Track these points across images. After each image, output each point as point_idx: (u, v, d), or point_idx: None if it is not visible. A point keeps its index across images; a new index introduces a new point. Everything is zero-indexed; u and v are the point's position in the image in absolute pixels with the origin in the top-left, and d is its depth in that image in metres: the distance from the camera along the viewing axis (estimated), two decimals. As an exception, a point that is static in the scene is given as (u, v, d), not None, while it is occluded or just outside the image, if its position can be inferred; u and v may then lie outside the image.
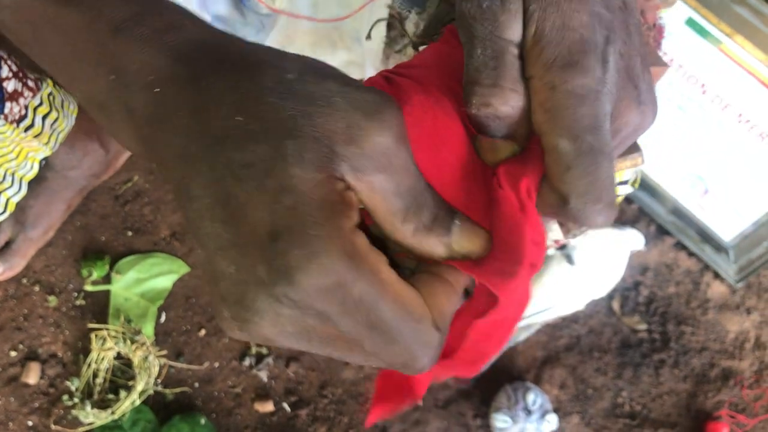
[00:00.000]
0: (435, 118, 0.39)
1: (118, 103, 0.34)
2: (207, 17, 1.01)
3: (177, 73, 0.33)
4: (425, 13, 0.50)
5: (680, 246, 1.36)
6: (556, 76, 0.36)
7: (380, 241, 0.36)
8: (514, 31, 0.37)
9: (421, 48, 0.52)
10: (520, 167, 0.39)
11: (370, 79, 0.42)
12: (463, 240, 0.36)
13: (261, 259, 0.31)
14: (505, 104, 0.37)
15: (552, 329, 1.32)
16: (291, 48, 0.72)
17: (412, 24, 0.49)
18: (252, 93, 0.32)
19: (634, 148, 0.47)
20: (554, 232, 0.65)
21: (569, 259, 1.20)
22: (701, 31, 1.09)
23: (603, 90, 0.37)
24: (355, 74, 0.82)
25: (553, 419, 1.21)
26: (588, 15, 0.37)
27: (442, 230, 0.35)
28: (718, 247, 1.31)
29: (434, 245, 0.35)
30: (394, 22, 0.52)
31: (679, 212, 1.32)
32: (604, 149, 0.37)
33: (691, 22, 1.10)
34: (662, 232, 1.36)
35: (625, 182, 0.75)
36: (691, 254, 1.36)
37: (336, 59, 0.79)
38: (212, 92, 0.32)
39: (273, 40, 0.86)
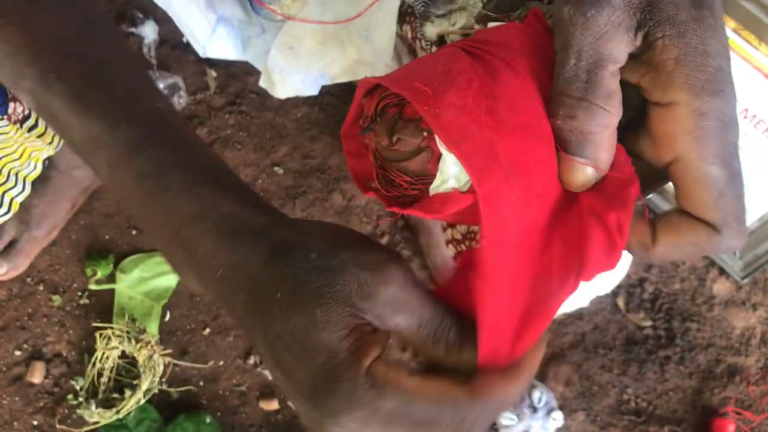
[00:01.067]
0: (524, 98, 0.39)
1: (189, 272, 0.43)
2: (213, 17, 1.00)
3: (232, 261, 0.41)
4: None
5: (685, 242, 1.35)
6: (706, 104, 0.37)
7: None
8: (617, 48, 0.37)
9: (491, 24, 0.49)
10: (605, 199, 0.39)
11: (446, 47, 0.41)
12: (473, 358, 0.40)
13: (311, 407, 0.38)
14: (592, 120, 0.37)
15: (557, 326, 1.32)
16: (300, 48, 0.72)
17: None
18: (286, 273, 0.39)
19: None
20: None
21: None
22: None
23: (736, 118, 0.38)
24: (365, 73, 0.82)
25: (558, 416, 1.21)
26: (721, 43, 0.37)
27: (469, 342, 0.40)
28: (724, 243, 1.31)
29: (467, 357, 0.40)
30: None
31: (684, 208, 1.32)
32: (740, 170, 0.38)
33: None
34: (667, 228, 1.36)
35: None
36: (696, 250, 1.35)
37: (344, 58, 0.78)
38: (255, 272, 0.40)
39: (281, 41, 0.86)
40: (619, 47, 0.38)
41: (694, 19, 0.37)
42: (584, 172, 0.39)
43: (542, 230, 0.40)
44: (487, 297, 0.38)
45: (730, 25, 1.07)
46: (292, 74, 0.85)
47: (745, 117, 1.15)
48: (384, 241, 1.33)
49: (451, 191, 0.39)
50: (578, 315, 1.32)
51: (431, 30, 0.48)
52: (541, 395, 1.21)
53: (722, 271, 1.34)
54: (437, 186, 0.40)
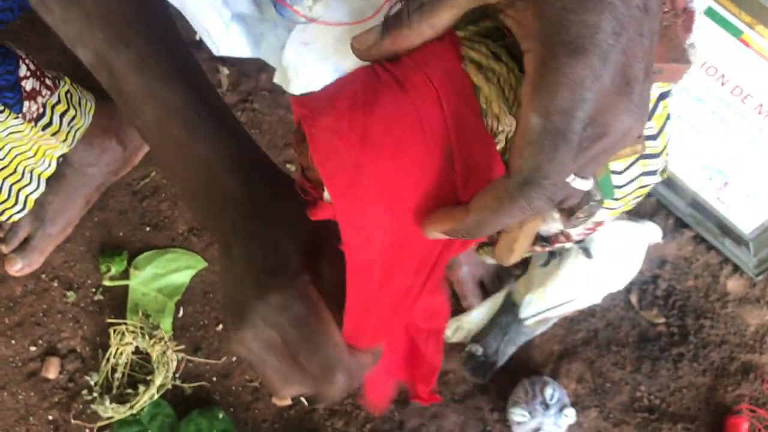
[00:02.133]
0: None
1: (199, 209, 0.53)
2: (228, 14, 1.00)
3: (242, 204, 0.50)
4: None
5: (699, 239, 1.35)
6: (555, 57, 0.36)
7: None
8: None
9: None
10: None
11: (365, 66, 0.45)
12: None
13: (252, 291, 0.47)
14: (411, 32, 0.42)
15: (569, 323, 1.31)
16: (315, 44, 0.72)
17: None
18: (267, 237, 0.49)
19: None
20: (556, 222, 0.64)
21: (587, 252, 1.20)
22: (721, 22, 1.08)
23: (594, 83, 0.36)
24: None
25: (571, 413, 1.20)
26: (603, 16, 0.36)
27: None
28: (738, 240, 1.30)
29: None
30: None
31: (697, 205, 1.31)
32: (568, 135, 0.37)
33: (710, 12, 1.08)
34: (681, 225, 1.35)
35: (653, 172, 0.74)
36: (710, 247, 1.34)
37: (355, 58, 0.78)
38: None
39: (295, 38, 0.86)
40: None
41: None
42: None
43: (416, 236, 0.43)
44: (351, 288, 0.44)
45: (745, 20, 1.07)
46: (307, 70, 0.85)
47: (759, 112, 1.15)
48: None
49: (326, 201, 0.44)
50: (591, 312, 1.32)
51: None
52: (553, 392, 1.21)
53: (736, 268, 1.34)
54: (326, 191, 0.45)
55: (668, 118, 0.72)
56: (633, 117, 0.38)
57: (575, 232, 0.88)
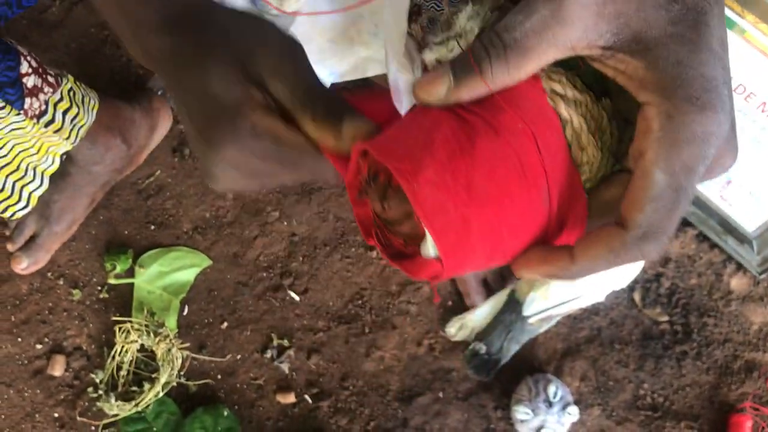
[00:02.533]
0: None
1: (137, 46, 0.50)
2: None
3: (165, 29, 0.48)
4: (482, 12, 0.49)
5: (702, 237, 1.35)
6: (677, 108, 0.36)
7: None
8: (570, 36, 0.39)
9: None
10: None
11: (433, 110, 0.43)
12: (349, 128, 0.44)
13: (201, 140, 0.46)
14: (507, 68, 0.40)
15: (572, 321, 1.32)
16: (309, 45, 0.72)
17: (464, 19, 0.48)
18: (202, 39, 0.47)
19: None
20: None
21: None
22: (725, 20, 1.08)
23: (719, 138, 0.36)
24: (375, 70, 0.82)
25: (574, 411, 1.21)
26: (706, 58, 0.36)
27: (334, 120, 0.45)
28: (741, 238, 1.30)
29: (326, 134, 0.45)
30: (439, 15, 0.51)
31: (701, 203, 1.31)
32: (689, 191, 0.37)
33: (712, 11, 1.08)
34: (684, 223, 1.35)
35: None
36: (713, 245, 1.35)
37: (354, 55, 0.79)
38: (182, 40, 0.48)
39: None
40: (573, 36, 0.38)
41: (670, 35, 0.37)
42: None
43: None
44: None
45: (748, 19, 1.07)
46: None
47: (763, 111, 1.15)
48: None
49: (429, 258, 0.42)
50: (594, 310, 1.32)
51: (430, 56, 0.50)
52: (556, 390, 1.21)
53: (739, 267, 1.34)
54: (426, 248, 0.42)
55: None
56: (734, 159, 0.39)
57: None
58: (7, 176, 1.10)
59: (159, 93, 1.36)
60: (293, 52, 0.47)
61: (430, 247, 0.41)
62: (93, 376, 1.27)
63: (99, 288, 1.32)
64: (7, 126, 0.98)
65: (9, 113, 0.95)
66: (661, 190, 0.37)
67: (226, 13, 0.49)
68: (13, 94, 0.95)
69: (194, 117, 0.46)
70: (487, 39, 0.39)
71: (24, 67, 0.97)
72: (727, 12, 1.08)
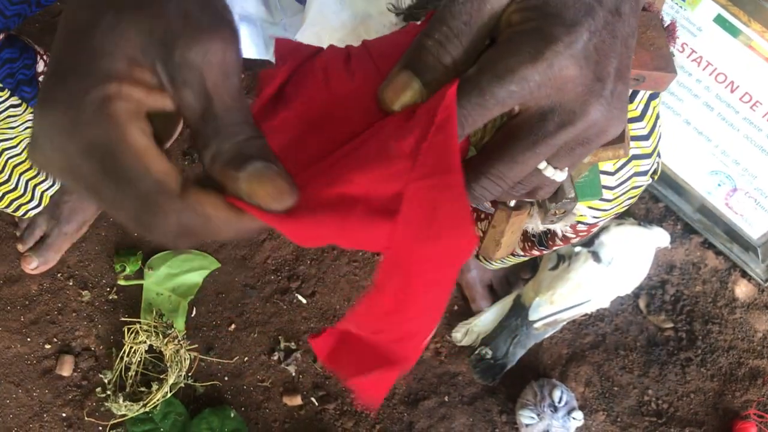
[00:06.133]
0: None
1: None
2: (235, 17, 1.02)
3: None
4: None
5: (707, 244, 1.36)
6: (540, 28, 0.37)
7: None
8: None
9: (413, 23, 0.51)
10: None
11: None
12: (255, 184, 0.34)
13: (38, 104, 0.34)
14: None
15: (577, 327, 1.32)
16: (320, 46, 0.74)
17: None
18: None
19: (617, 139, 0.47)
20: (535, 219, 0.65)
21: (596, 256, 1.21)
22: (730, 29, 1.09)
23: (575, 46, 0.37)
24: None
25: (579, 416, 1.21)
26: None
27: (237, 164, 0.34)
28: (746, 245, 1.31)
29: (225, 176, 0.35)
30: None
31: (706, 211, 1.32)
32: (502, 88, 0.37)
33: (720, 20, 1.10)
34: (689, 230, 1.36)
35: (644, 173, 0.75)
36: (718, 253, 1.35)
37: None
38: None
39: (300, 38, 0.88)
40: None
41: None
42: (412, 88, 0.38)
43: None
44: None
45: (754, 28, 1.08)
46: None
47: (764, 116, 1.16)
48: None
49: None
50: (599, 316, 1.33)
51: None
52: (561, 395, 1.21)
53: (744, 274, 1.34)
54: None
55: (658, 118, 0.73)
56: (601, 112, 0.39)
57: (569, 233, 0.89)
58: (20, 174, 1.11)
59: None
60: (233, 64, 0.35)
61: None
62: (101, 376, 1.28)
63: (108, 289, 1.33)
64: (22, 124, 0.99)
65: (24, 111, 0.97)
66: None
67: None
68: (30, 92, 0.96)
69: (52, 65, 0.35)
70: (437, 32, 0.39)
71: (40, 66, 0.98)
72: (733, 21, 1.09)
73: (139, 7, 0.33)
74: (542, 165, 0.41)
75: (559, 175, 0.42)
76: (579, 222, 0.84)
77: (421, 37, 0.39)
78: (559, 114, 0.38)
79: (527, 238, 0.99)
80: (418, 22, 0.44)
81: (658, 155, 0.77)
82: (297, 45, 0.43)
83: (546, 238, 0.95)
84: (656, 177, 0.78)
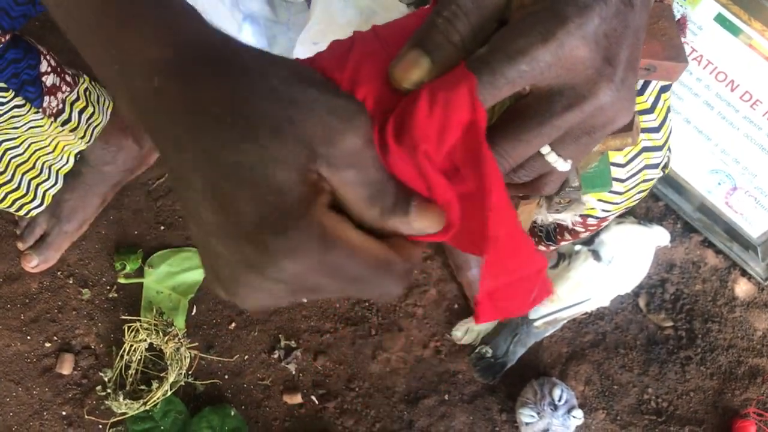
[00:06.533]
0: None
1: (123, 90, 0.38)
2: (239, 16, 1.02)
3: (174, 72, 0.36)
4: None
5: (707, 243, 1.36)
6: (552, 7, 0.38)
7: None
8: None
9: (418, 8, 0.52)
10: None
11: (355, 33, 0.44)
12: (420, 218, 0.39)
13: (249, 247, 0.35)
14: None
15: (577, 325, 1.33)
16: (324, 44, 0.74)
17: None
18: (241, 96, 0.35)
19: (625, 128, 0.47)
20: (541, 209, 0.65)
21: (596, 255, 1.21)
22: (731, 28, 1.10)
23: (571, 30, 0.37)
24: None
25: (579, 415, 1.21)
26: None
27: (401, 212, 0.38)
28: (746, 244, 1.31)
29: (397, 225, 0.39)
30: None
31: (706, 209, 1.32)
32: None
33: (720, 19, 1.10)
34: (689, 229, 1.36)
35: (655, 165, 0.75)
36: (718, 252, 1.35)
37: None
38: (205, 92, 0.36)
39: (305, 38, 0.88)
40: None
41: None
42: (421, 66, 0.39)
43: None
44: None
45: (755, 27, 1.08)
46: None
47: (764, 115, 1.16)
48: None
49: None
50: (599, 315, 1.33)
51: None
52: (561, 393, 1.22)
53: (744, 273, 1.35)
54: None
55: (669, 110, 0.73)
56: (610, 97, 0.39)
57: (579, 227, 0.89)
58: (23, 174, 1.11)
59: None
60: (371, 134, 0.37)
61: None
62: (101, 374, 1.27)
63: (108, 287, 1.33)
64: (25, 124, 0.99)
65: (28, 111, 0.97)
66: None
67: (257, 56, 0.38)
68: (33, 92, 0.96)
69: (234, 211, 0.35)
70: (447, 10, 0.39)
71: (43, 66, 0.98)
72: (734, 20, 1.09)
73: (286, 131, 0.35)
74: (545, 149, 0.41)
75: (561, 164, 0.42)
76: (589, 216, 0.84)
77: (432, 15, 0.39)
78: (568, 95, 0.39)
79: (534, 233, 0.99)
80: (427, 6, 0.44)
81: (669, 149, 0.77)
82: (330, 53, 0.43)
83: (554, 233, 0.95)
84: (667, 171, 0.78)
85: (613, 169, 0.73)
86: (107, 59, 0.38)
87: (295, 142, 0.35)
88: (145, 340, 1.25)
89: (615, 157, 0.73)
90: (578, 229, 0.89)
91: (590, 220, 0.85)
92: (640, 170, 0.74)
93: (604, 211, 0.81)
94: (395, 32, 0.42)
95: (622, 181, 0.75)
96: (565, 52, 0.37)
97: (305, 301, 0.41)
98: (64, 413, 1.28)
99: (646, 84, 0.70)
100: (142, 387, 1.25)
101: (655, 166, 0.75)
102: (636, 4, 0.39)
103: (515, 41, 0.37)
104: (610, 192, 0.77)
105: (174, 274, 1.32)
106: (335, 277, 0.36)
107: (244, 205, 0.35)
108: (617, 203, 0.79)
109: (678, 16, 0.61)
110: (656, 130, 0.72)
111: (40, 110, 0.99)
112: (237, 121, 0.35)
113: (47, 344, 1.31)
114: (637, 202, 0.81)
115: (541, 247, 1.00)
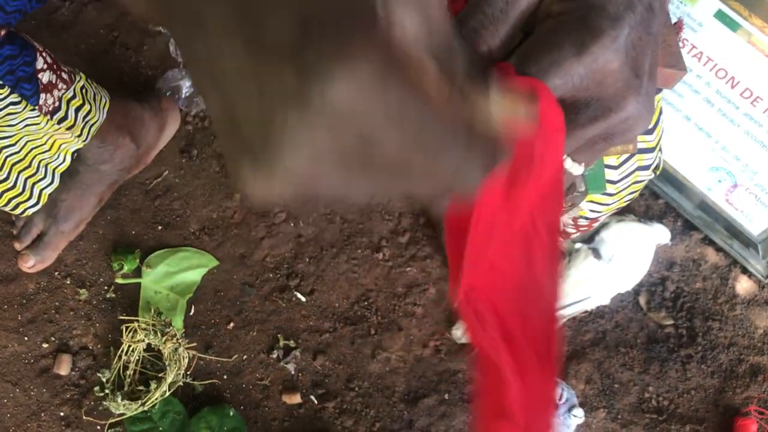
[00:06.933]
0: None
1: None
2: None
3: None
4: None
5: (708, 241, 1.35)
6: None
7: None
8: None
9: None
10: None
11: None
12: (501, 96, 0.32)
13: (290, 65, 0.25)
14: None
15: (578, 324, 1.32)
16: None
17: None
18: None
19: None
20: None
21: (596, 253, 1.21)
22: (731, 24, 1.09)
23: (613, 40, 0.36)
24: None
25: (579, 414, 1.21)
26: None
27: (481, 86, 0.31)
28: (747, 242, 1.31)
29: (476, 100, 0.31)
30: None
31: (706, 207, 1.32)
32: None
33: (720, 15, 1.09)
34: (689, 227, 1.36)
35: (647, 167, 0.74)
36: (718, 249, 1.35)
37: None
38: None
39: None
40: None
41: None
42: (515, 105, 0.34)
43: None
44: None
45: (754, 23, 1.08)
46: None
47: (765, 112, 1.15)
48: (405, 238, 1.34)
49: None
50: (599, 313, 1.32)
51: None
52: (562, 392, 1.21)
53: (745, 270, 1.34)
54: None
55: (661, 112, 0.73)
56: (637, 109, 0.38)
57: (570, 228, 0.89)
58: (19, 173, 1.10)
59: (167, 94, 1.36)
60: None
61: None
62: (99, 375, 1.27)
63: (106, 287, 1.32)
64: (21, 121, 0.98)
65: (24, 108, 0.96)
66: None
67: None
68: (29, 89, 0.95)
69: (275, 17, 0.25)
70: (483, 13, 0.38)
71: (39, 63, 0.98)
72: (733, 15, 1.08)
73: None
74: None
75: (576, 169, 0.42)
76: (580, 216, 0.84)
77: (457, 25, 0.37)
78: (594, 108, 0.38)
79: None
80: None
81: (660, 150, 0.76)
82: None
83: None
84: (658, 172, 0.77)
85: (606, 171, 0.73)
86: None
87: None
88: (143, 341, 1.25)
89: (608, 159, 0.72)
90: (570, 230, 0.89)
91: (581, 221, 0.85)
92: (632, 172, 0.74)
93: (593, 212, 0.81)
94: None
95: (614, 182, 0.74)
96: (598, 66, 0.36)
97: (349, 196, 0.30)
98: (61, 414, 1.27)
99: None
100: (141, 387, 1.25)
101: (647, 167, 0.75)
102: (655, 9, 0.39)
103: (548, 54, 0.36)
104: (603, 194, 0.76)
105: (172, 274, 1.31)
106: (399, 129, 0.27)
107: (281, 7, 0.25)
108: (608, 204, 0.79)
109: (674, 19, 0.61)
110: (650, 132, 0.72)
111: (36, 108, 0.98)
112: None
113: (44, 345, 1.30)
114: (628, 202, 0.81)
115: None
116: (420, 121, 0.28)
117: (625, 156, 0.73)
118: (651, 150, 0.73)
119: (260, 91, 0.26)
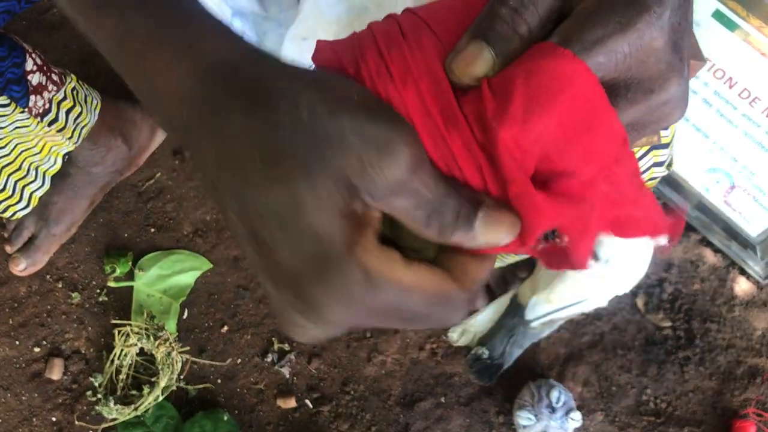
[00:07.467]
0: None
1: (157, 110, 0.37)
2: (228, 11, 1.00)
3: (199, 105, 0.34)
4: None
5: (706, 242, 1.34)
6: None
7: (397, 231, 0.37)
8: None
9: None
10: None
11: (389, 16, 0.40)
12: (487, 231, 0.35)
13: (291, 292, 0.34)
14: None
15: (575, 326, 1.31)
16: (313, 40, 0.72)
17: None
18: (268, 134, 0.33)
19: None
20: None
21: (593, 254, 1.20)
22: (729, 24, 1.08)
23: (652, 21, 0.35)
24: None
25: (577, 416, 1.20)
26: None
27: (464, 227, 0.35)
28: (745, 243, 1.30)
29: (461, 240, 0.35)
30: None
31: (704, 208, 1.31)
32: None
33: (718, 15, 1.08)
34: (687, 228, 1.35)
35: (661, 164, 0.74)
36: (716, 251, 1.34)
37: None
38: (231, 132, 0.33)
39: (294, 33, 0.86)
40: None
41: None
42: (485, 63, 0.35)
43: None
44: None
45: (752, 23, 1.07)
46: (307, 65, 0.85)
47: (767, 115, 1.15)
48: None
49: None
50: (597, 315, 1.31)
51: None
52: (559, 395, 1.20)
53: (743, 272, 1.33)
54: None
55: None
56: (679, 91, 0.37)
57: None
58: (9, 175, 1.09)
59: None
60: (419, 155, 0.34)
61: None
62: (92, 379, 1.25)
63: (98, 291, 1.31)
64: (11, 124, 0.97)
65: (13, 111, 0.95)
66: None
67: (287, 76, 0.35)
68: (19, 91, 0.94)
69: (272, 258, 0.33)
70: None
71: (29, 65, 0.96)
72: (731, 15, 1.08)
73: (318, 170, 0.32)
74: None
75: None
76: None
77: (494, 4, 0.36)
78: (634, 89, 0.36)
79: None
80: None
81: (673, 146, 0.76)
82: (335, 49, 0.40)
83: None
84: (671, 168, 0.76)
85: None
86: (135, 82, 0.38)
87: (328, 181, 0.32)
88: (136, 345, 1.23)
89: None
90: None
91: None
92: (648, 168, 0.73)
93: None
94: (441, 15, 0.39)
95: None
96: (644, 43, 0.35)
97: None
98: (53, 419, 1.26)
99: None
100: (133, 392, 1.23)
101: (662, 164, 0.74)
102: None
103: (592, 31, 0.35)
104: None
105: (165, 277, 1.30)
106: (388, 318, 0.35)
107: (281, 252, 0.33)
108: None
109: None
110: (665, 126, 0.71)
111: (26, 110, 0.97)
112: (266, 163, 0.32)
113: (36, 349, 1.29)
114: None
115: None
116: (401, 308, 0.34)
117: (641, 152, 0.72)
118: (666, 146, 0.73)
119: (273, 289, 0.35)
